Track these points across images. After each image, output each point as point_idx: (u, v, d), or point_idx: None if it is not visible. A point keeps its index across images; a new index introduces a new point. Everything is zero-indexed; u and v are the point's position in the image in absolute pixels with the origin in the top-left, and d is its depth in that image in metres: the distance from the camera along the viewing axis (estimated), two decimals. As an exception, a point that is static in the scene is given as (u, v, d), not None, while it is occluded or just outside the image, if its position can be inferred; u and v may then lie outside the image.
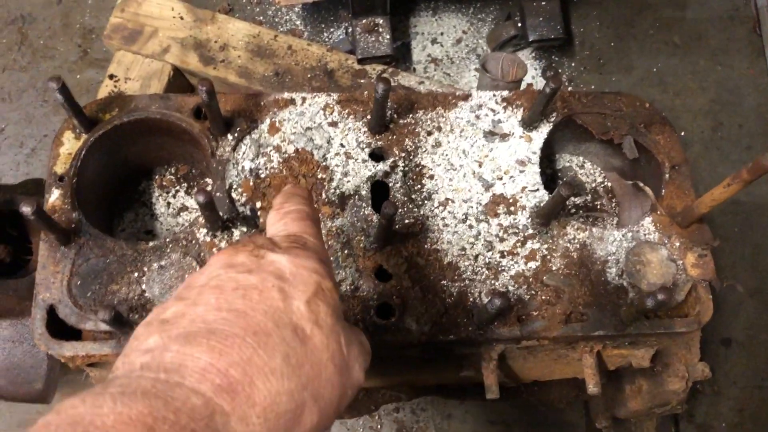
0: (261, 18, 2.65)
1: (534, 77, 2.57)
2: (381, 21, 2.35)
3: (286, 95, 1.42)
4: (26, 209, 1.12)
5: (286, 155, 1.37)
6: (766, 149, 2.57)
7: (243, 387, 0.64)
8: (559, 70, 2.59)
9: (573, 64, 2.62)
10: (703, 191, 1.30)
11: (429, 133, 1.41)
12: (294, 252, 0.77)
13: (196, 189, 1.42)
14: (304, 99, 1.42)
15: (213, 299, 0.70)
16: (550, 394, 1.89)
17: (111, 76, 2.34)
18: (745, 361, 2.39)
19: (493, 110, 1.44)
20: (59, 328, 1.26)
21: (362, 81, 2.36)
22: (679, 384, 1.60)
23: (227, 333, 0.67)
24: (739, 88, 2.63)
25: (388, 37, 2.34)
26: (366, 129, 1.40)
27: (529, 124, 1.41)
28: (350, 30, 2.39)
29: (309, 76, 2.34)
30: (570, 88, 2.58)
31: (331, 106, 1.42)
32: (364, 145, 1.39)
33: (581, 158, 1.63)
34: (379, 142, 1.39)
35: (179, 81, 2.40)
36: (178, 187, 1.55)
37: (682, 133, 2.56)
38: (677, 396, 1.64)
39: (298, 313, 0.72)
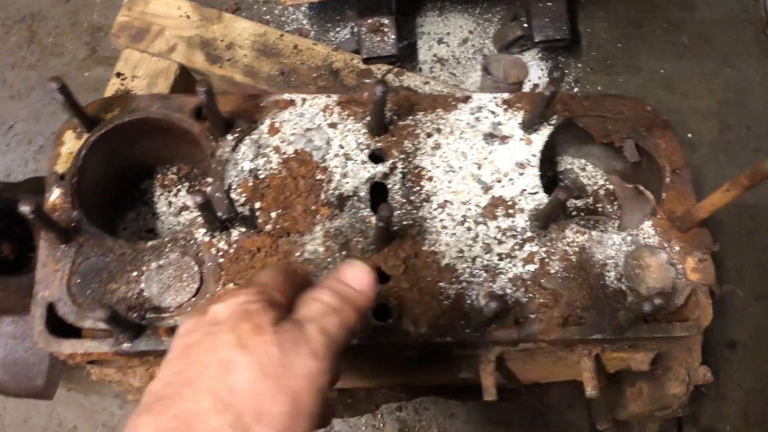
0: (268, 17, 2.66)
1: (540, 78, 2.56)
2: (386, 21, 2.35)
3: (286, 96, 1.42)
4: (25, 209, 1.13)
5: (286, 156, 1.37)
6: (774, 152, 2.55)
7: None
8: (566, 71, 2.57)
9: (580, 65, 2.61)
10: (709, 194, 1.29)
11: (428, 135, 1.41)
12: (232, 293, 0.83)
13: (194, 189, 1.43)
14: (304, 100, 1.42)
15: (165, 371, 0.79)
16: (552, 395, 1.89)
17: (118, 74, 2.35)
18: (750, 365, 2.38)
19: (493, 112, 1.43)
20: (59, 326, 1.27)
21: (367, 81, 2.36)
22: (680, 388, 1.59)
23: (167, 394, 0.75)
24: (747, 90, 2.60)
25: (393, 37, 2.34)
26: (365, 130, 1.40)
27: (529, 126, 1.41)
28: (356, 30, 2.39)
29: (314, 75, 2.34)
30: (575, 90, 2.57)
31: (331, 107, 1.42)
32: (364, 147, 1.39)
33: (583, 161, 1.62)
34: (379, 144, 1.40)
35: (186, 79, 2.41)
36: (179, 186, 1.56)
37: (689, 135, 2.55)
38: (678, 400, 1.64)
39: (223, 345, 0.76)
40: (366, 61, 2.34)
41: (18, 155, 2.56)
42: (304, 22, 2.66)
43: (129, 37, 2.38)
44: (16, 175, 2.52)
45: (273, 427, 0.73)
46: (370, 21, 2.34)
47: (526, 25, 2.41)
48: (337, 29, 2.64)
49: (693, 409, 2.35)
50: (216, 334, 0.78)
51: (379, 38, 2.34)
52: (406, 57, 2.60)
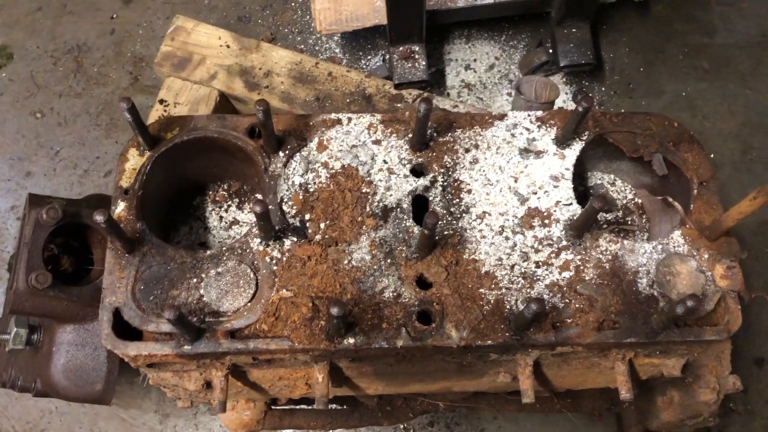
0: (302, 46, 2.78)
1: (565, 101, 2.65)
2: (417, 48, 2.45)
3: (333, 116, 1.52)
4: (99, 218, 1.22)
5: (333, 171, 1.47)
6: (797, 171, 2.60)
7: None
8: (590, 94, 2.66)
9: (603, 89, 2.69)
10: (733, 212, 1.35)
11: (467, 150, 1.50)
12: None
13: (252, 200, 1.52)
14: (350, 119, 1.52)
15: None
16: (584, 405, 1.94)
17: (161, 101, 2.47)
18: (778, 381, 2.41)
19: (527, 129, 1.52)
20: (121, 331, 1.35)
21: (399, 105, 2.46)
22: (711, 395, 1.64)
23: None
24: (768, 112, 2.68)
25: (424, 63, 2.44)
26: (407, 146, 1.49)
27: (563, 142, 1.49)
28: (387, 57, 2.50)
29: (348, 100, 2.45)
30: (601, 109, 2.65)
31: (375, 125, 1.51)
32: (406, 162, 1.48)
33: (612, 176, 1.70)
34: (420, 159, 1.48)
35: (225, 106, 2.53)
36: (230, 202, 1.65)
37: (712, 156, 2.61)
38: (708, 407, 1.68)
39: None
40: (398, 86, 2.44)
41: (64, 179, 2.68)
42: (337, 50, 2.78)
43: (172, 66, 2.50)
44: (62, 198, 2.64)
45: None
46: (401, 48, 2.45)
47: (551, 50, 2.51)
48: (368, 57, 2.75)
49: (721, 425, 2.38)
50: None
51: (410, 65, 2.45)
52: (434, 83, 2.70)
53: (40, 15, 2.87)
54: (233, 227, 1.63)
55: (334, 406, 1.97)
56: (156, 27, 2.85)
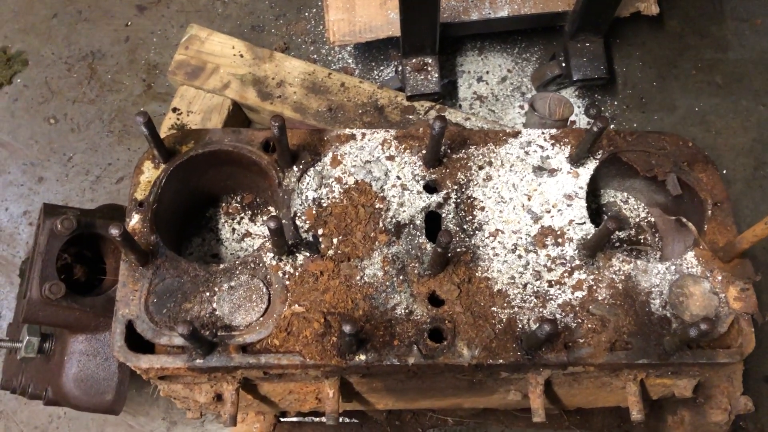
0: (315, 56, 2.79)
1: (577, 115, 2.65)
2: (430, 60, 2.46)
3: (347, 131, 1.52)
4: (114, 231, 1.23)
5: (347, 186, 1.47)
6: (810, 188, 2.59)
7: None
8: (602, 108, 2.66)
9: (616, 103, 2.69)
10: (745, 229, 1.35)
11: (480, 168, 1.50)
12: None
13: (267, 216, 1.52)
14: (363, 134, 1.52)
15: None
16: (594, 423, 1.93)
17: (174, 110, 2.49)
18: (788, 400, 2.39)
19: (541, 147, 1.52)
20: (133, 343, 1.36)
21: (410, 117, 2.46)
22: (722, 416, 1.63)
23: None
24: (781, 128, 2.67)
25: (436, 75, 2.45)
26: (421, 163, 1.49)
27: (577, 160, 1.49)
28: (400, 68, 2.51)
29: (360, 111, 2.45)
30: (612, 126, 2.65)
31: (389, 141, 1.51)
32: (419, 178, 1.48)
33: (625, 194, 1.69)
34: (433, 175, 1.49)
35: (238, 115, 2.54)
36: (242, 215, 1.66)
37: (724, 171, 2.60)
38: (719, 428, 1.67)
39: None
40: (410, 98, 2.45)
41: (76, 185, 2.69)
42: (350, 61, 2.79)
43: (185, 75, 2.51)
44: (74, 204, 2.65)
45: None
46: (414, 60, 2.45)
47: (564, 64, 2.51)
48: (381, 68, 2.76)
49: (732, 443, 2.36)
50: None
51: (422, 77, 2.45)
52: (446, 94, 2.71)
53: (55, 22, 2.89)
54: (245, 239, 1.63)
55: (343, 419, 1.97)
56: (170, 35, 2.87)
